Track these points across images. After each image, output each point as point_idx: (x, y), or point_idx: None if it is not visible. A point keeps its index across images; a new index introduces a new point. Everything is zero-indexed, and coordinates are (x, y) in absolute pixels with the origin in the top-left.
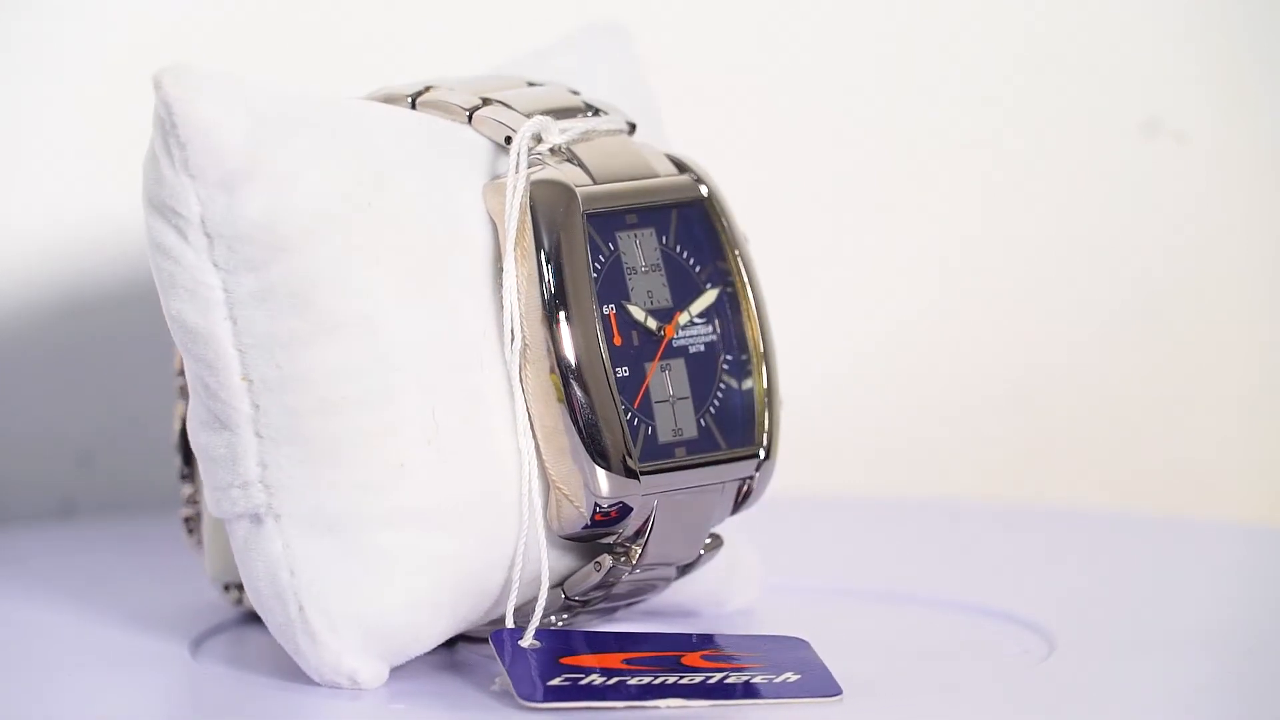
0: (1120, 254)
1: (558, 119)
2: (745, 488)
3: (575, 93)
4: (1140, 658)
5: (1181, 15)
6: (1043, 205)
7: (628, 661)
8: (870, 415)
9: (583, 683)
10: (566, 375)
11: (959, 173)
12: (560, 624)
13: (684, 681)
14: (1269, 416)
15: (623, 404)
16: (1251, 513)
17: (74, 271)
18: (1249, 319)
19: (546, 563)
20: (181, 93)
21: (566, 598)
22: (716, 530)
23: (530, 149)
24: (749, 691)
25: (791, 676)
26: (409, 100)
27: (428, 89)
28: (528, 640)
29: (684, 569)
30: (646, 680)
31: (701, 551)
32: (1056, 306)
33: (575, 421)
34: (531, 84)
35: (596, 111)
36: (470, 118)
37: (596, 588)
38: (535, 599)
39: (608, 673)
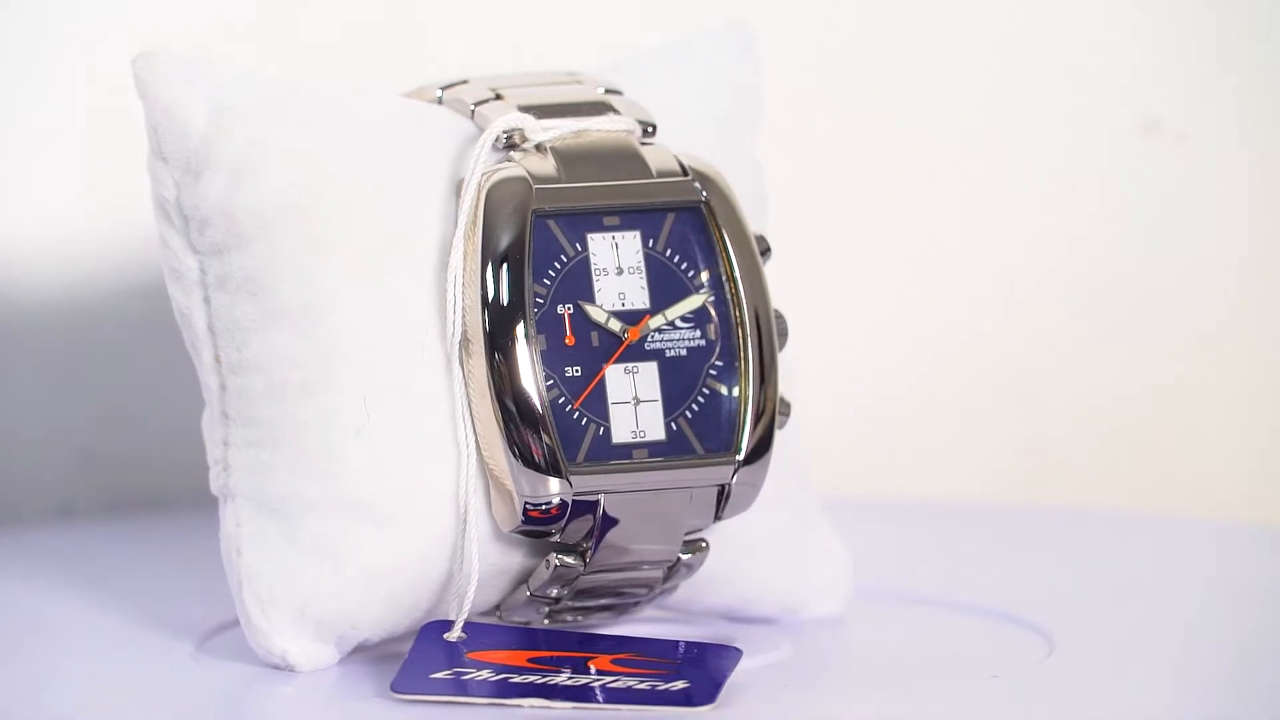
0: (1120, 254)
1: (557, 116)
2: (725, 493)
3: (615, 91)
4: (1140, 658)
5: (1181, 15)
6: (1042, 205)
7: (533, 660)
8: (870, 416)
9: (465, 677)
10: (495, 373)
11: (957, 173)
12: (546, 622)
13: (566, 682)
14: (1269, 416)
15: (563, 404)
16: (1251, 513)
17: (74, 271)
18: (1249, 319)
19: (477, 557)
20: (149, 76)
21: (531, 595)
22: (704, 535)
23: (517, 145)
24: (615, 696)
25: (677, 685)
26: (438, 94)
27: (461, 83)
28: (455, 633)
29: (671, 572)
30: (531, 679)
31: (682, 555)
32: (1056, 306)
33: (501, 419)
34: (579, 82)
35: (613, 111)
36: (473, 113)
37: (555, 585)
38: (493, 594)
39: (503, 669)
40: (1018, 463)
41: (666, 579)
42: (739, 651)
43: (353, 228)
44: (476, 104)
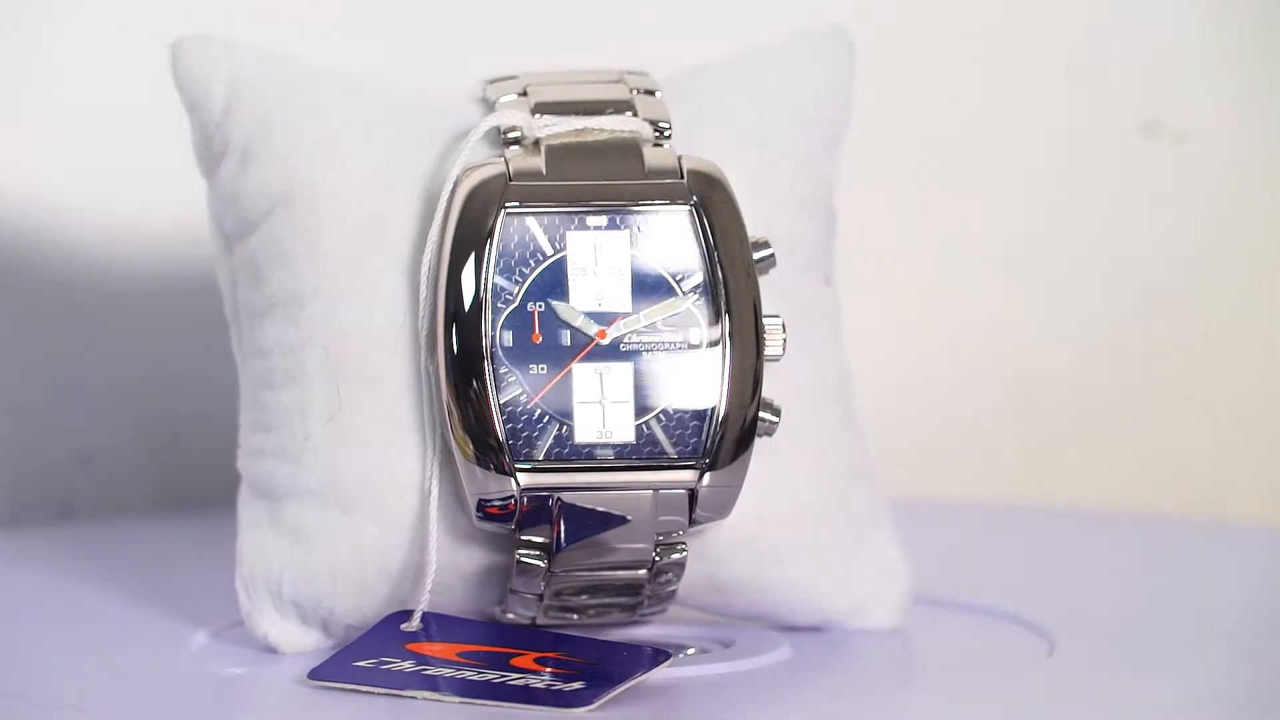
0: (1121, 254)
1: (567, 114)
2: (695, 496)
3: (650, 92)
4: (1140, 658)
5: (1181, 15)
6: (1043, 205)
7: (462, 655)
8: (870, 416)
9: (384, 667)
10: (451, 370)
11: (957, 175)
12: (544, 623)
13: (471, 677)
14: (1269, 417)
15: (524, 400)
16: (1251, 513)
17: (74, 271)
18: (1249, 319)
19: (435, 548)
20: (178, 63)
21: (512, 591)
22: (683, 538)
23: (519, 141)
24: (499, 693)
25: (573, 686)
26: (485, 89)
27: (506, 79)
28: (413, 623)
29: (656, 573)
30: (444, 672)
31: (656, 556)
32: (1057, 306)
33: (451, 415)
34: (620, 81)
35: (629, 111)
36: (493, 108)
37: (529, 581)
38: (483, 588)
39: (425, 661)
40: (1019, 463)
41: (655, 579)
42: (666, 655)
43: (339, 218)
44: (501, 99)
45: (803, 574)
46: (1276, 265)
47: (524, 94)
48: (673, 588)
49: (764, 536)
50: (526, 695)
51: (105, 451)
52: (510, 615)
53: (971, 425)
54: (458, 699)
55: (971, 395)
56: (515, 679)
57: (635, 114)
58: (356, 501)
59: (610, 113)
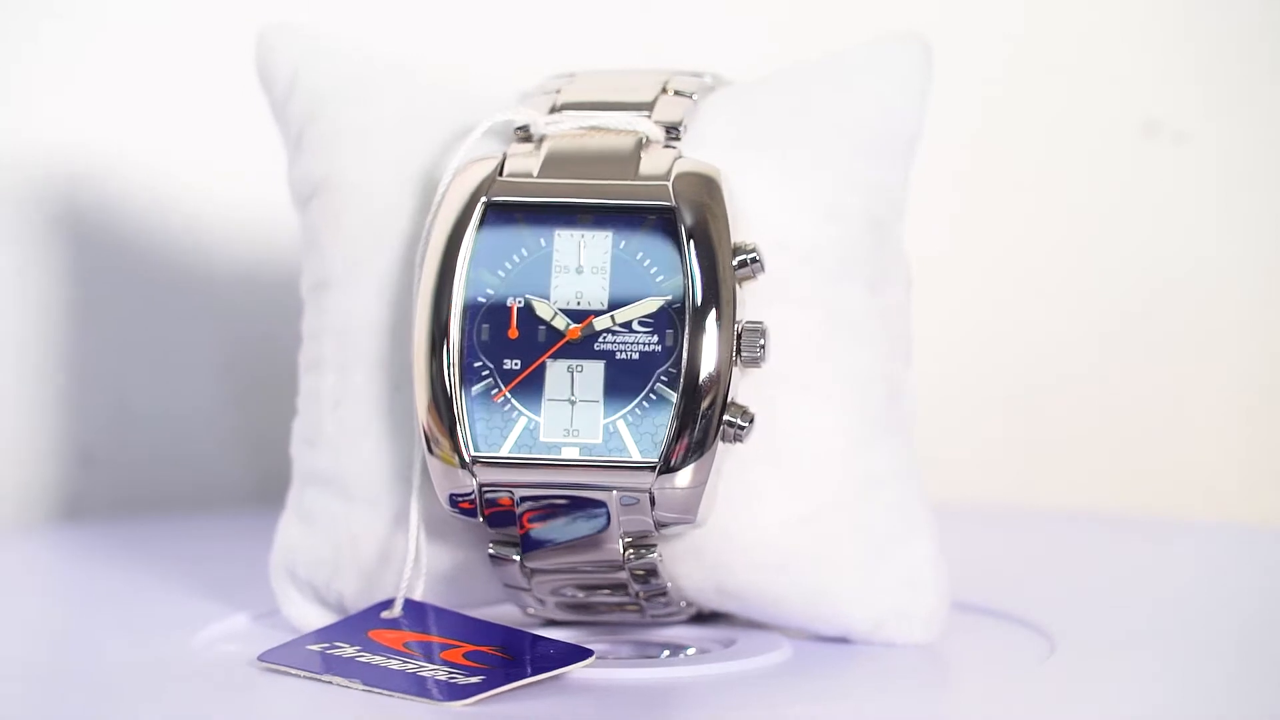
0: (1120, 254)
1: (582, 113)
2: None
3: (684, 94)
4: (1140, 658)
5: (1181, 15)
6: (1042, 205)
7: (406, 645)
8: None
9: (329, 653)
10: (423, 362)
11: (957, 172)
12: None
13: (394, 666)
14: (1269, 417)
15: (493, 394)
16: (1251, 513)
17: (76, 270)
18: (1249, 319)
19: (414, 539)
20: (258, 49)
21: (504, 585)
22: (654, 539)
23: (529, 138)
24: (396, 682)
25: (471, 680)
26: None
27: (565, 75)
28: (394, 611)
29: (641, 575)
30: (374, 659)
31: (630, 555)
32: (1057, 307)
33: (424, 408)
34: (662, 84)
35: (643, 112)
36: None
37: (511, 577)
38: (482, 581)
39: (370, 648)
40: (1018, 463)
41: (643, 581)
42: (586, 654)
43: (359, 209)
44: (535, 95)
45: (810, 582)
46: (1277, 266)
47: (559, 90)
48: (666, 589)
49: (765, 543)
50: (420, 686)
51: (107, 452)
52: (530, 611)
53: (972, 426)
54: (362, 686)
55: (972, 396)
56: (427, 670)
57: (650, 114)
58: (355, 489)
59: (621, 112)
